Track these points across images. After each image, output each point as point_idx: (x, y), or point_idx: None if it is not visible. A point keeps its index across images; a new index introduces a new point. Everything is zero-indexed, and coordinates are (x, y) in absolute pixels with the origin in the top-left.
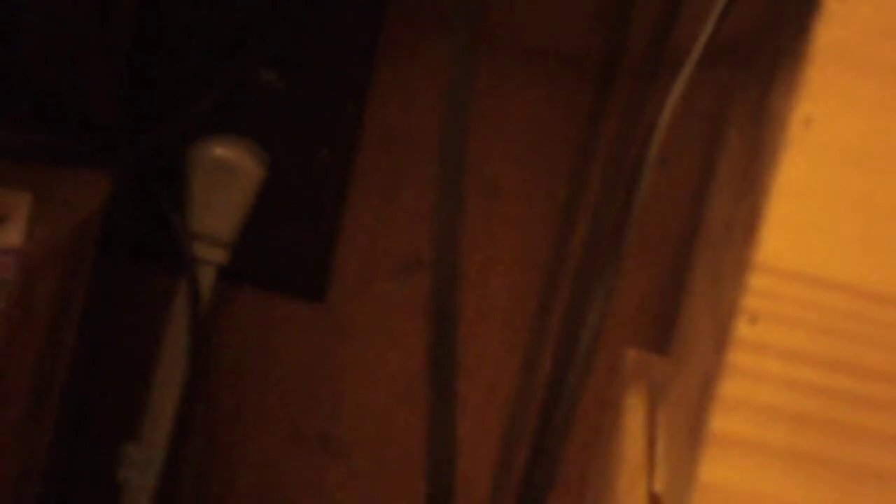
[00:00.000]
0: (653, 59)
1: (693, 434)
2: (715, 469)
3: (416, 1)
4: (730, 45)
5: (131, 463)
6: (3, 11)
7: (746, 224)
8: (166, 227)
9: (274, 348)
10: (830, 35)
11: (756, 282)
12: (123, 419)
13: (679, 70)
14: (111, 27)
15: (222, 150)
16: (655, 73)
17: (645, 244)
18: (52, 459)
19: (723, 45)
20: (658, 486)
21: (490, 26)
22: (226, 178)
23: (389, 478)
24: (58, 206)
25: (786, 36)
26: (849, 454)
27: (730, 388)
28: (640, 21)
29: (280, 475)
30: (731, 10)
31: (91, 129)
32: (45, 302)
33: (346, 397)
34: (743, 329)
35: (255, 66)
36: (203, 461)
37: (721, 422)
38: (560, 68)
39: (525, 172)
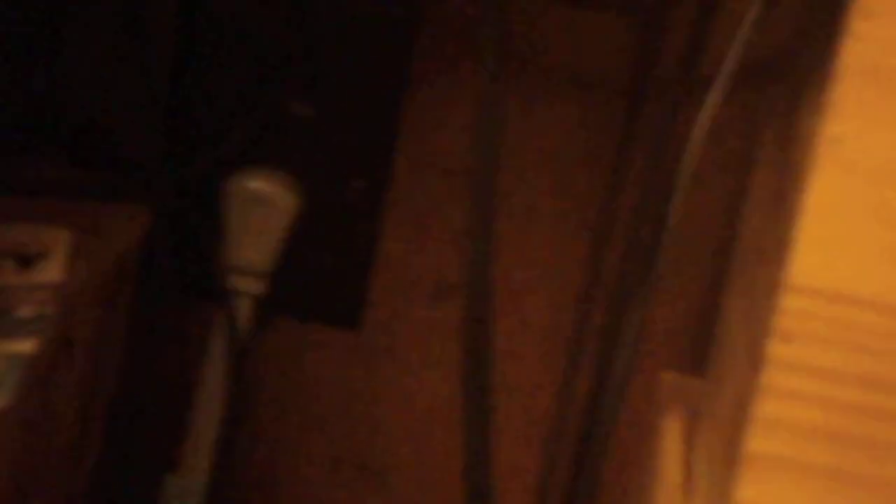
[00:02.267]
0: (682, 80)
1: (729, 454)
2: (751, 489)
3: (444, 31)
4: (759, 66)
5: (173, 492)
6: (43, 52)
7: (778, 244)
8: (204, 260)
9: (311, 376)
10: (856, 54)
11: (789, 302)
12: (165, 448)
13: (708, 91)
14: (148, 65)
15: (257, 183)
16: (685, 95)
17: (680, 265)
18: (94, 488)
19: (752, 66)
20: None
21: (519, 52)
22: (261, 211)
23: (428, 502)
24: (97, 241)
25: (813, 56)
26: (887, 471)
27: (765, 408)
28: (669, 43)
29: (320, 502)
30: (759, 30)
31: (129, 165)
32: (86, 334)
33: (383, 422)
34: (777, 349)
35: (287, 99)
36: (243, 490)
37: (757, 442)
38: (590, 92)
39: (557, 195)
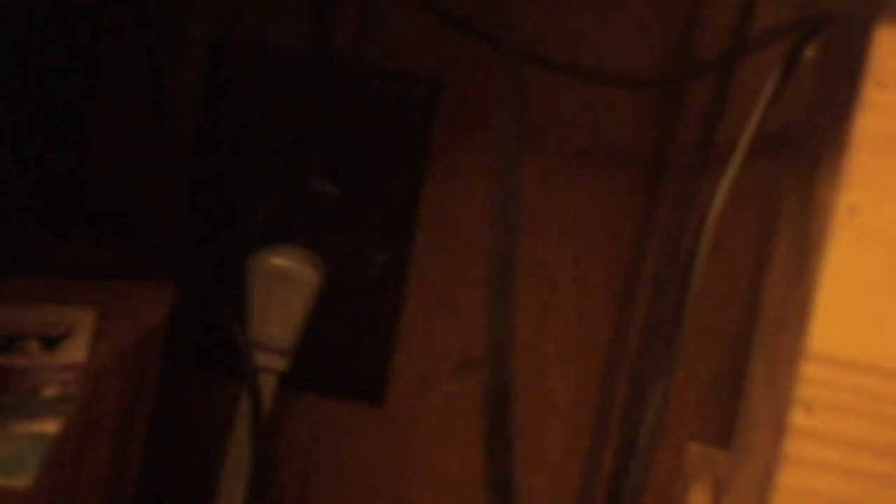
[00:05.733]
0: (702, 150)
1: None
2: None
3: (465, 102)
4: (777, 136)
5: None
6: (67, 131)
7: (799, 313)
8: (228, 337)
9: (335, 452)
10: (871, 124)
11: (809, 371)
12: None
13: (728, 160)
14: (171, 145)
15: (280, 260)
16: (705, 164)
17: (703, 335)
18: None
19: (770, 136)
20: None
21: (538, 124)
22: (284, 287)
23: None
24: (122, 320)
25: (829, 126)
26: None
27: (789, 478)
28: (688, 113)
29: None
30: (777, 101)
31: (154, 244)
32: (111, 413)
33: (406, 497)
34: (799, 419)
35: (309, 176)
36: None
37: None
38: (610, 162)
39: (579, 267)
